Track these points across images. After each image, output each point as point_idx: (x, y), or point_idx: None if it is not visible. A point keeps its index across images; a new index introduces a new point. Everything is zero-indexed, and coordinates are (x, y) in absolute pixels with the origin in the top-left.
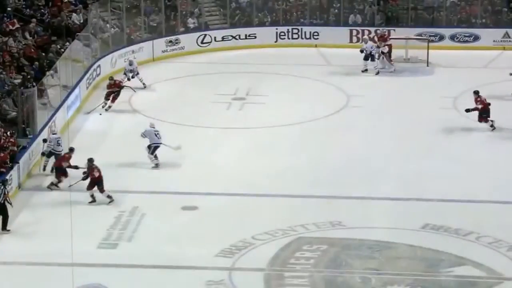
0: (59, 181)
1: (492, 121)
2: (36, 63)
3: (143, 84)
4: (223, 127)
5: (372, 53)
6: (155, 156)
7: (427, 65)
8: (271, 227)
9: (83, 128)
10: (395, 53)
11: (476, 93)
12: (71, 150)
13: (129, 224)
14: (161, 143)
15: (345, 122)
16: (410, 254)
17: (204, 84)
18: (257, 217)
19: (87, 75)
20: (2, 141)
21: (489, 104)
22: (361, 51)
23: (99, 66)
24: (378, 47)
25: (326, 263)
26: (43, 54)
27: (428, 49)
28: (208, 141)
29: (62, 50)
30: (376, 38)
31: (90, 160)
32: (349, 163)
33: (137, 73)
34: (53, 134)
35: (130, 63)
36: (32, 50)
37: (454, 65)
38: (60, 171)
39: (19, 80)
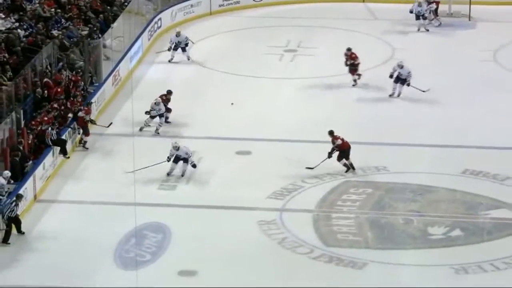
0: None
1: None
2: (102, 16)
3: (188, 57)
4: (275, 77)
5: (424, 14)
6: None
7: (469, 20)
8: (320, 171)
9: (145, 77)
10: (440, 7)
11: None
12: (89, 104)
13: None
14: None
15: (383, 77)
16: (449, 198)
17: (258, 36)
18: (306, 162)
19: (149, 27)
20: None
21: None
22: (411, 12)
23: (160, 19)
24: (429, 3)
25: (371, 205)
26: (108, 7)
27: (470, 4)
28: (261, 90)
29: (126, 3)
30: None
31: (331, 133)
32: (393, 112)
33: (185, 46)
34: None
35: (177, 35)
36: (98, 3)
37: (494, 19)
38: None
39: (86, 32)
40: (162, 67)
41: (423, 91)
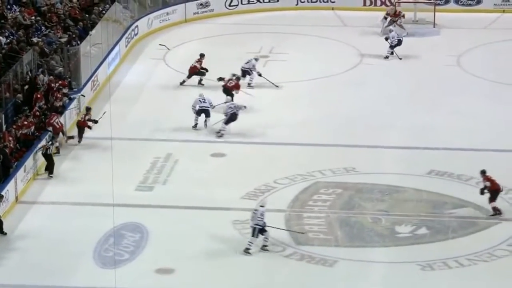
0: (74, 137)
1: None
2: (80, 23)
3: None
4: (248, 82)
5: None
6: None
7: (434, 26)
8: (291, 173)
9: (122, 82)
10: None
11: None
12: (88, 109)
13: (163, 169)
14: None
15: (359, 78)
16: (416, 197)
17: (232, 43)
18: (278, 164)
19: (126, 34)
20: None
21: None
22: (386, 39)
23: (136, 26)
24: (393, 21)
25: (341, 205)
26: (87, 15)
27: (434, 12)
28: (234, 94)
29: (104, 12)
30: (390, 15)
31: (483, 172)
32: (362, 115)
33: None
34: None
35: (247, 62)
36: (77, 11)
37: (458, 26)
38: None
39: (65, 39)
40: (139, 72)
41: (276, 86)
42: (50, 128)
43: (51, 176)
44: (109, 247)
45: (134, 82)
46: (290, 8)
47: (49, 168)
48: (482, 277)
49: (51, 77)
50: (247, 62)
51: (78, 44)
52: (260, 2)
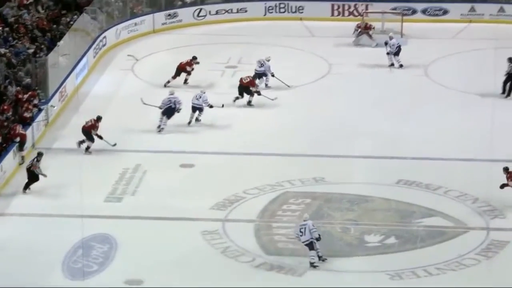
0: (83, 143)
1: None
2: (48, 34)
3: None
4: (217, 92)
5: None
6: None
7: (401, 36)
8: (261, 183)
9: (90, 92)
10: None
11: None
12: (99, 119)
13: (132, 180)
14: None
15: (327, 88)
16: (385, 207)
17: (200, 53)
18: (248, 174)
19: (94, 45)
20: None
21: None
22: (388, 54)
23: (105, 37)
24: (363, 33)
25: (310, 214)
26: (54, 26)
27: (402, 22)
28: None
29: (72, 22)
30: (361, 28)
31: (506, 169)
32: (330, 125)
33: (267, 75)
34: (171, 94)
35: (261, 65)
36: (45, 22)
37: (425, 36)
38: (88, 137)
39: (33, 50)
40: (107, 83)
41: (288, 86)
42: (17, 139)
43: (29, 189)
44: (78, 258)
45: (103, 93)
46: (259, 19)
47: (28, 184)
48: (451, 286)
49: (19, 88)
50: (261, 66)
51: (46, 55)
52: (229, 12)
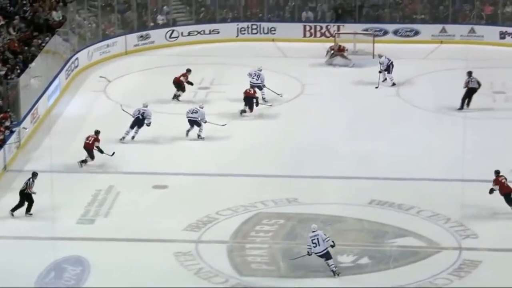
0: (84, 162)
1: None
2: (20, 56)
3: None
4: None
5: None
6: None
7: (373, 57)
8: (234, 204)
9: (63, 114)
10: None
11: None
12: (98, 132)
13: (105, 201)
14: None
15: (300, 108)
16: (358, 227)
17: (173, 74)
18: (220, 195)
19: (66, 67)
20: None
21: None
22: (380, 72)
23: (77, 58)
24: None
25: (283, 235)
26: (26, 48)
27: (373, 43)
28: (176, 125)
29: (43, 44)
30: (335, 50)
31: (497, 172)
32: (303, 145)
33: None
34: (144, 106)
35: (258, 77)
36: (16, 44)
37: (397, 57)
38: (89, 154)
39: (4, 72)
40: (79, 105)
41: (280, 95)
42: None
43: (30, 214)
44: (50, 280)
45: (75, 115)
46: (231, 40)
47: (18, 206)
48: None
49: None
50: (258, 77)
51: (17, 77)
52: (201, 34)
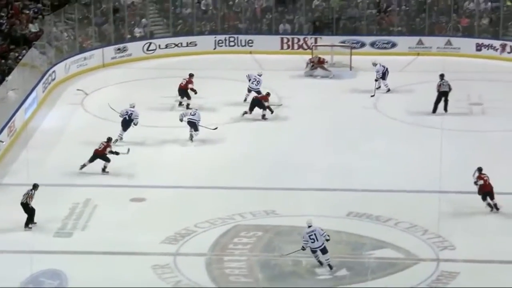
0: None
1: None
2: None
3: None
4: (167, 126)
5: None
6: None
7: (350, 69)
8: (212, 216)
9: (40, 127)
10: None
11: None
12: (110, 139)
13: (82, 214)
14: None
15: (278, 120)
16: (336, 239)
17: (150, 87)
18: (199, 207)
19: (43, 80)
20: None
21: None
22: (376, 80)
23: (54, 71)
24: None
25: (261, 247)
26: (3, 61)
27: (351, 55)
28: (154, 139)
29: (20, 57)
30: (314, 63)
31: (479, 170)
32: (281, 157)
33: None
34: (131, 107)
35: (257, 83)
36: None
37: (374, 69)
38: (103, 158)
39: None
40: (57, 118)
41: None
42: None
43: (34, 224)
44: None
45: (52, 128)
46: (208, 52)
47: (31, 218)
48: None
49: None
50: (258, 83)
51: None
52: (178, 46)
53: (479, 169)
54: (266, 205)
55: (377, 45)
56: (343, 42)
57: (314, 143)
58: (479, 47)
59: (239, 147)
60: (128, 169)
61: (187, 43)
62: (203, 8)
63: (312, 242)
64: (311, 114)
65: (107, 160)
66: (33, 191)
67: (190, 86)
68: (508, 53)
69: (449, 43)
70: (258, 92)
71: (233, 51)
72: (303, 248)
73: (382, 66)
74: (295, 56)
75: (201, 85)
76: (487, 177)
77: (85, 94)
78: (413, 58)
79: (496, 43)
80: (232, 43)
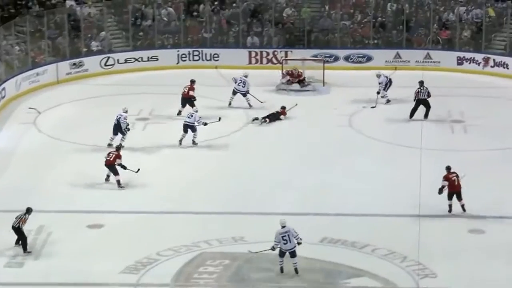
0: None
1: None
2: None
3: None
4: (127, 146)
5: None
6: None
7: (323, 85)
8: (175, 243)
9: None
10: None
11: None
12: (119, 148)
13: (35, 242)
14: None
15: (246, 139)
16: (309, 266)
17: (108, 105)
18: (161, 234)
19: None
20: None
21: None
22: (378, 93)
23: (3, 88)
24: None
25: (229, 276)
26: None
27: (324, 70)
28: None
29: None
30: (293, 76)
31: (448, 168)
32: (251, 178)
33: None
34: (124, 112)
35: (244, 84)
36: None
37: (348, 84)
38: (112, 170)
39: None
40: (7, 138)
41: (262, 102)
42: None
43: (29, 252)
44: None
45: (2, 148)
46: (171, 67)
47: (23, 244)
48: None
49: None
50: (244, 84)
51: None
52: (139, 61)
53: (448, 168)
54: (234, 231)
55: (351, 59)
56: (315, 56)
57: (286, 164)
58: (460, 61)
59: (207, 168)
60: (85, 193)
61: (148, 57)
62: (165, 19)
63: (284, 244)
64: (282, 133)
65: (116, 172)
66: (26, 215)
67: (191, 93)
68: (491, 67)
69: (428, 56)
70: (245, 94)
71: (198, 66)
72: (273, 248)
73: (385, 77)
74: (264, 71)
75: (163, 103)
76: (456, 176)
77: (38, 113)
78: (391, 73)
79: (479, 56)
80: (196, 57)
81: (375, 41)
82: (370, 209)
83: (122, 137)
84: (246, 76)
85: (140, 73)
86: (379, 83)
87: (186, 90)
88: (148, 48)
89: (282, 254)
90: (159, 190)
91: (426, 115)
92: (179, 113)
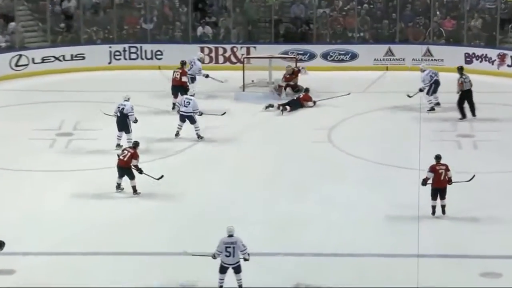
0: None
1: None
2: None
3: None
4: (45, 169)
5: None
6: None
7: (294, 90)
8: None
9: None
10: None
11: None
12: (137, 144)
13: None
14: None
15: (199, 160)
16: None
17: (20, 117)
18: (88, 280)
19: None
20: None
21: None
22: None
23: None
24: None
25: None
26: None
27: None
28: (28, 186)
29: None
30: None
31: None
32: (205, 209)
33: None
34: (125, 100)
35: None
36: None
37: (327, 89)
38: (127, 173)
39: None
40: None
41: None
42: None
43: None
44: None
45: None
46: (102, 68)
47: None
48: None
49: None
50: (191, 68)
51: None
52: (60, 60)
53: (437, 157)
54: (184, 277)
55: (331, 56)
56: (285, 53)
57: (249, 190)
58: (469, 59)
59: (146, 196)
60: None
61: (72, 55)
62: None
63: (226, 256)
64: (244, 151)
65: (132, 176)
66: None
67: (184, 79)
68: (508, 66)
69: (428, 53)
70: (192, 80)
71: (135, 66)
72: (214, 257)
73: (431, 75)
74: (222, 72)
75: (91, 114)
76: (443, 169)
77: None
78: (380, 74)
79: (492, 53)
80: (133, 55)
81: (361, 34)
82: (354, 246)
83: (128, 137)
84: (200, 59)
85: (62, 76)
86: (422, 81)
87: (178, 76)
88: (71, 43)
89: (223, 269)
90: (84, 225)
91: (473, 112)
92: (174, 106)
